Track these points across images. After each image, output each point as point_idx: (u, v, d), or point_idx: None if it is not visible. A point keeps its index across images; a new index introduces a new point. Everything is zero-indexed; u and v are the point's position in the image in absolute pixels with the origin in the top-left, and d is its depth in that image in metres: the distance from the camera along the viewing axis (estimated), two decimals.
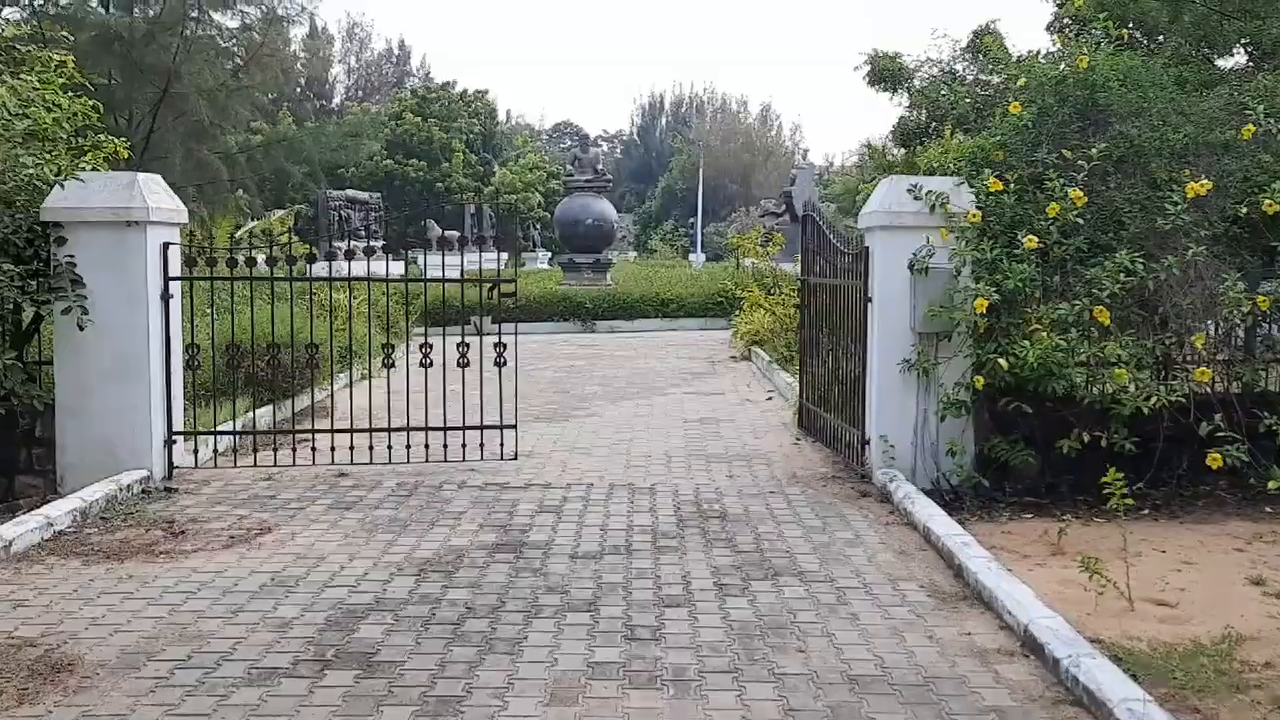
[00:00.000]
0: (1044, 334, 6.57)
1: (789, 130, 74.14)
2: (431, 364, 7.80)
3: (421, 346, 7.88)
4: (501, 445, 7.96)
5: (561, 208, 23.40)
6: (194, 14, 13.38)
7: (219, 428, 8.00)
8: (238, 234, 21.46)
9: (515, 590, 5.12)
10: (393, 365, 7.94)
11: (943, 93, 8.82)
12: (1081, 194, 6.70)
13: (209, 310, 10.54)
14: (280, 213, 24.84)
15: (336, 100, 64.38)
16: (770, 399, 11.36)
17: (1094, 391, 6.61)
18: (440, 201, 47.71)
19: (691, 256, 45.72)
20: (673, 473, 7.78)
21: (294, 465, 7.75)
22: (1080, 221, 6.78)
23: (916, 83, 9.25)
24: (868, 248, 7.47)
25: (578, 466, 7.97)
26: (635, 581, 5.25)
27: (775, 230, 22.81)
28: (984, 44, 8.80)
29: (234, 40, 14.39)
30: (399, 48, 70.33)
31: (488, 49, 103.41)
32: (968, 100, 8.42)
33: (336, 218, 22.58)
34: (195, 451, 7.75)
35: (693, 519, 6.46)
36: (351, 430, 7.75)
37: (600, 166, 23.33)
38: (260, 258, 8.17)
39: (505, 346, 7.88)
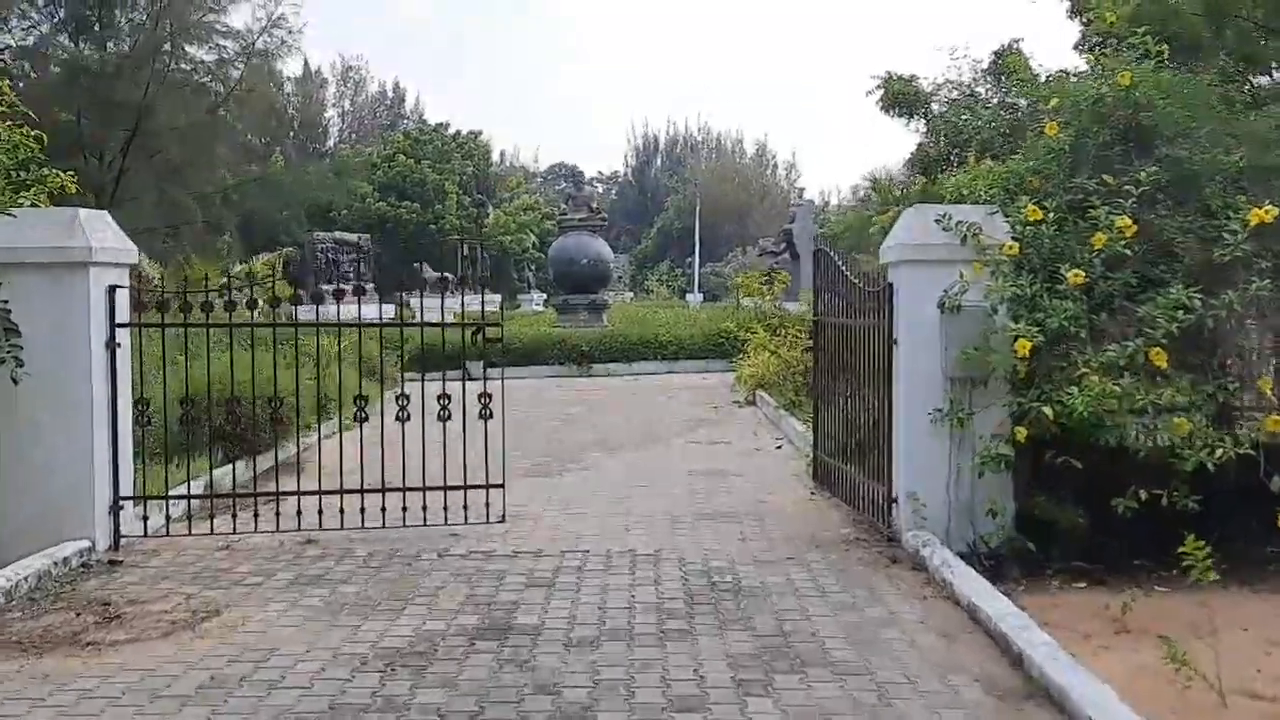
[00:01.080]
0: (1093, 379, 5.86)
1: (784, 169, 73.68)
2: (408, 417, 7.06)
3: (399, 397, 7.14)
4: (487, 506, 7.21)
5: (556, 247, 22.75)
6: (167, 47, 12.72)
7: (173, 491, 7.23)
8: (223, 279, 20.88)
9: (497, 691, 4.35)
10: (365, 419, 7.19)
11: (964, 117, 8.19)
12: (1130, 222, 6.04)
13: (180, 358, 9.81)
14: (267, 256, 24.31)
15: (330, 143, 64.19)
16: (780, 448, 10.63)
17: (1151, 443, 5.89)
18: (433, 244, 47.16)
19: (689, 297, 45.21)
20: (678, 536, 7.03)
21: (256, 532, 6.98)
22: (1128, 253, 6.10)
23: (935, 107, 8.60)
24: (891, 284, 6.78)
25: (573, 530, 7.21)
26: (639, 677, 4.48)
27: (775, 268, 22.24)
28: (1007, 64, 8.18)
29: (211, 77, 13.75)
30: (393, 90, 70.31)
31: (482, 91, 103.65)
32: (992, 125, 7.77)
33: (324, 260, 21.93)
34: (145, 518, 6.97)
35: (703, 594, 5.69)
36: (320, 492, 6.99)
37: (595, 205, 22.72)
38: (227, 301, 7.47)
39: (490, 397, 7.16)
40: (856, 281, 7.47)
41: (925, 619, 5.27)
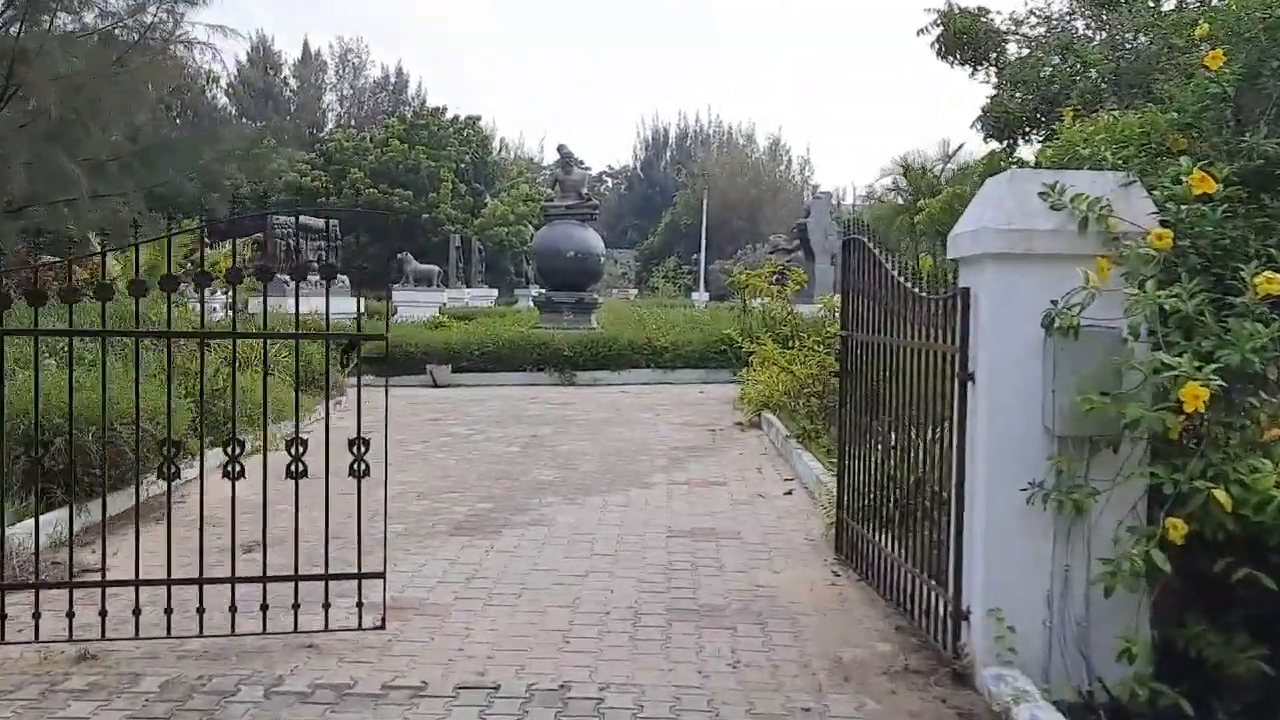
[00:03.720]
0: None
1: (798, 164, 71.49)
2: (242, 474, 4.83)
3: (289, 444, 4.91)
4: (360, 606, 4.96)
5: (540, 237, 20.42)
6: None
7: None
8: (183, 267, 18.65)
9: None
10: (239, 472, 4.90)
11: (1055, 62, 5.92)
12: None
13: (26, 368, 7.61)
14: (229, 242, 22.06)
15: (328, 129, 62.10)
16: (790, 493, 8.39)
17: None
18: (426, 233, 45.07)
19: (694, 295, 43.21)
20: (640, 656, 4.78)
21: (19, 639, 4.76)
22: None
23: (1012, 49, 6.34)
24: (965, 289, 4.54)
25: (485, 640, 4.96)
26: None
27: (788, 266, 19.98)
28: None
29: (116, 21, 11.49)
30: (395, 75, 68.23)
31: (488, 79, 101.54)
32: (1101, 69, 5.51)
33: (284, 247, 19.72)
34: None
35: None
36: (103, 584, 4.75)
37: (585, 190, 20.37)
38: (96, 287, 5.23)
39: (367, 445, 4.94)
40: (909, 284, 5.21)
41: None
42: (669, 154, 77.19)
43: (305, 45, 65.90)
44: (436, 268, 31.48)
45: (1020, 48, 6.48)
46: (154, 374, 8.42)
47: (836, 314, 12.54)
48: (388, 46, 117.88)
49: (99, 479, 6.46)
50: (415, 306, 28.23)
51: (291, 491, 4.85)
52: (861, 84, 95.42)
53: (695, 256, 48.66)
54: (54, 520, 6.28)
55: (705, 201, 48.31)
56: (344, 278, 23.20)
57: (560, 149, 20.13)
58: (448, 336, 17.48)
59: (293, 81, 65.55)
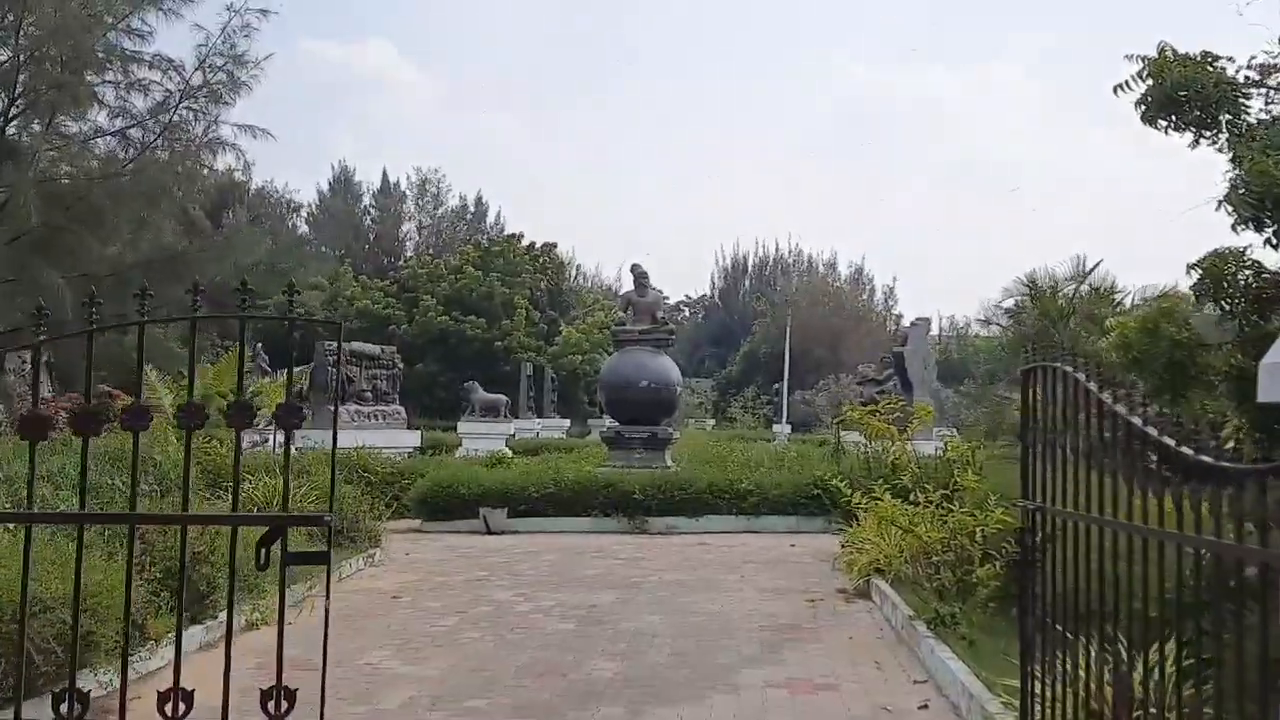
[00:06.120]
0: None
1: (881, 293, 69.86)
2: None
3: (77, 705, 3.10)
4: None
5: (609, 368, 18.70)
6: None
7: None
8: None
9: None
10: None
11: None
12: None
13: None
14: (299, 369, 20.91)
15: (407, 256, 62.48)
16: (925, 706, 6.26)
17: None
18: (498, 361, 44.02)
19: (776, 427, 41.32)
20: None
21: None
22: None
23: (1256, 109, 4.48)
24: None
25: None
26: None
27: (880, 397, 17.97)
28: None
29: (133, 122, 10.34)
30: (475, 204, 68.85)
31: (568, 209, 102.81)
32: None
33: (333, 376, 18.34)
34: None
35: None
36: None
37: (661, 314, 18.72)
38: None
39: (290, 703, 3.08)
40: (1174, 443, 3.23)
41: None
42: (748, 282, 76.32)
43: (384, 175, 66.89)
44: (504, 397, 29.94)
45: (1272, 103, 4.67)
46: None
47: (960, 457, 10.64)
48: (468, 176, 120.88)
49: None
50: (480, 439, 26.71)
51: None
52: (947, 215, 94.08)
53: (776, 386, 46.72)
54: None
55: (789, 328, 46.55)
56: (400, 409, 22.00)
57: (634, 269, 18.61)
58: (505, 476, 15.79)
59: (373, 211, 66.51)
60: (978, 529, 8.09)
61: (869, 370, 29.59)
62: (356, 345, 20.60)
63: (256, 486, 11.06)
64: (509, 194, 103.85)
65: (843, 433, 17.42)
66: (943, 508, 8.61)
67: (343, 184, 65.46)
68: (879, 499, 9.46)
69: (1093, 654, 3.87)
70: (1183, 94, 4.85)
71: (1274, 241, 4.66)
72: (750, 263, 77.28)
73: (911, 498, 9.26)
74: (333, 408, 5.72)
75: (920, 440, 12.85)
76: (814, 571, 11.19)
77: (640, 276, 18.37)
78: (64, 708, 2.99)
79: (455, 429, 29.42)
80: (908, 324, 31.77)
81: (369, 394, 19.90)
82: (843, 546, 10.77)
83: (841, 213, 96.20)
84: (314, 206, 63.82)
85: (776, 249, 76.67)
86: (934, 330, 40.21)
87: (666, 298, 59.51)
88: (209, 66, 10.99)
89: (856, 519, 10.53)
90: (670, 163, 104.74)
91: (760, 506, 15.01)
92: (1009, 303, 13.84)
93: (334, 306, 46.98)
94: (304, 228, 62.40)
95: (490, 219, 68.85)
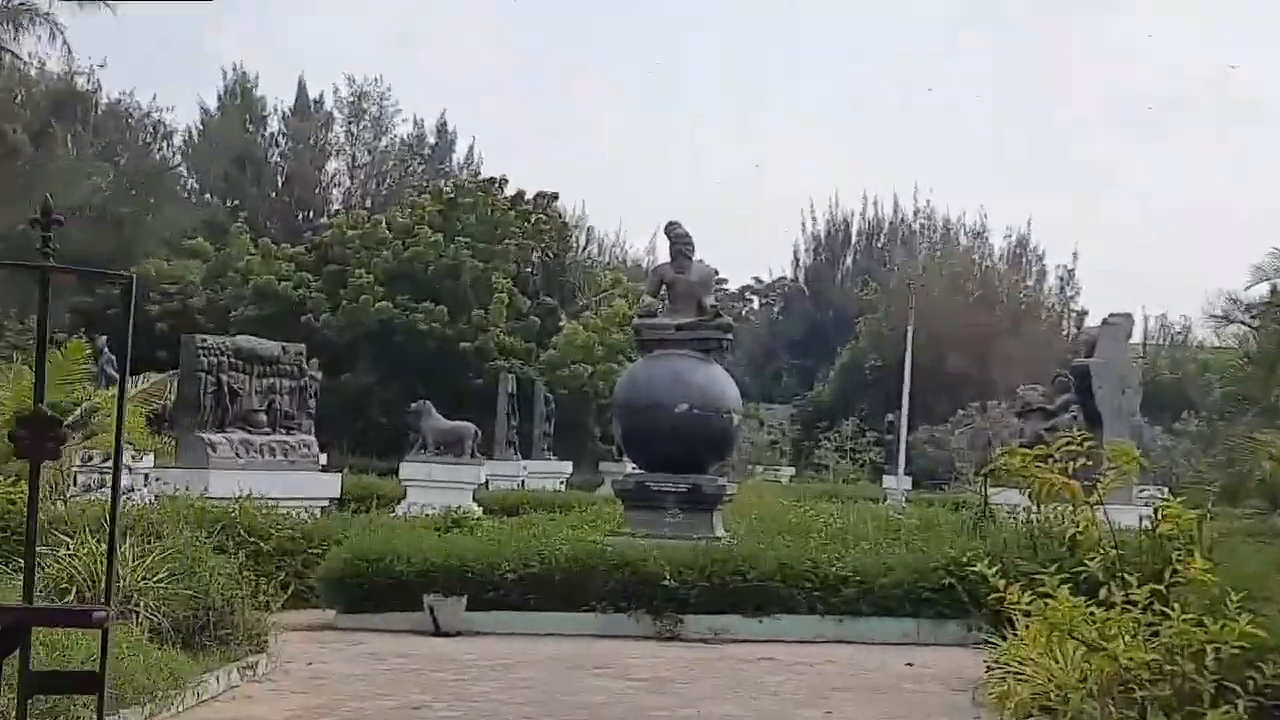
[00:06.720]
0: None
1: (1055, 278, 69.61)
2: None
3: None
4: None
5: (628, 380, 18.67)
6: None
7: None
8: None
9: None
10: None
11: None
12: None
13: None
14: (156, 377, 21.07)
15: (334, 206, 63.30)
16: None
17: None
18: (465, 371, 44.39)
19: (889, 479, 41.69)
20: None
21: None
22: None
23: None
24: None
25: None
26: None
27: (1050, 434, 17.88)
28: None
29: None
30: (436, 134, 69.62)
31: (577, 146, 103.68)
32: None
33: (206, 383, 18.56)
34: None
35: None
36: None
37: (712, 300, 18.22)
38: None
39: None
40: None
41: None
42: (850, 259, 76.72)
43: (301, 87, 67.58)
44: (471, 425, 30.09)
45: None
46: None
47: (1180, 531, 10.44)
48: (426, 94, 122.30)
49: None
50: (433, 487, 27.17)
51: None
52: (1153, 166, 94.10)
53: (890, 418, 46.97)
54: None
55: (911, 329, 46.50)
56: (312, 439, 22.04)
57: (670, 230, 18.30)
58: (465, 547, 15.93)
59: (282, 141, 67.38)
60: (1210, 647, 7.98)
61: (1034, 395, 29.54)
62: (245, 341, 21.06)
63: (76, 553, 11.03)
64: (486, 123, 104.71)
65: (993, 489, 17.23)
66: (1153, 611, 8.50)
67: (238, 100, 66.25)
68: (1050, 595, 9.38)
69: None
70: None
71: None
72: (855, 229, 77.72)
73: (1102, 595, 9.14)
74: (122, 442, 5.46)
75: (1116, 505, 12.63)
76: (942, 707, 11.26)
77: (680, 240, 18.16)
78: None
79: (397, 472, 29.75)
80: (1095, 324, 31.43)
81: (263, 416, 20.14)
82: (989, 669, 10.81)
83: (997, 160, 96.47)
84: (194, 131, 64.67)
85: (896, 209, 76.78)
86: (1136, 335, 40.01)
87: (723, 277, 59.66)
88: None
89: (1013, 626, 10.49)
90: (734, 82, 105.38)
91: (860, 602, 15.19)
92: (1260, 290, 13.58)
93: (219, 284, 47.61)
94: (177, 161, 63.16)
95: (458, 156, 69.82)
